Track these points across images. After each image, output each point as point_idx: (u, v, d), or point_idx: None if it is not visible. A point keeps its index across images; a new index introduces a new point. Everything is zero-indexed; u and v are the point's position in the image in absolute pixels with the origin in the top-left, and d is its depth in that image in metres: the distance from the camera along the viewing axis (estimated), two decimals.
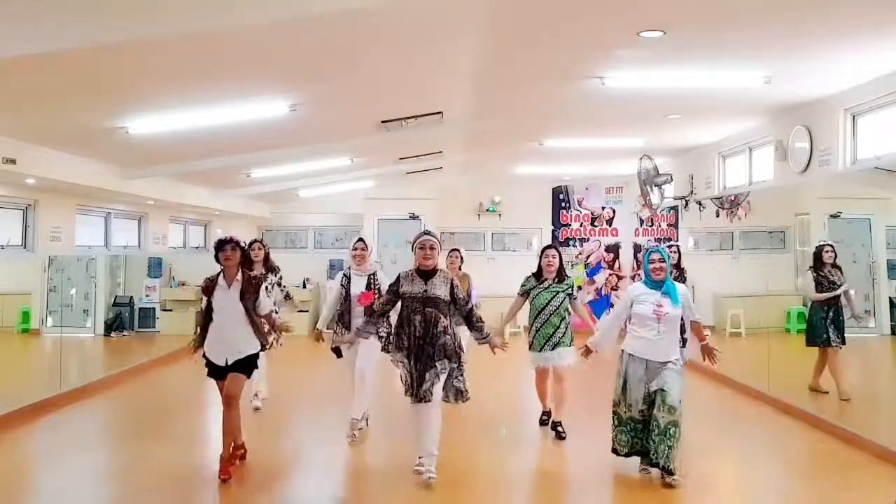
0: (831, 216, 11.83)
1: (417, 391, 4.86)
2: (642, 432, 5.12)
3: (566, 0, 4.30)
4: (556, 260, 6.16)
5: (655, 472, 5.07)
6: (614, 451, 5.26)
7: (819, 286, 7.29)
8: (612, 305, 12.86)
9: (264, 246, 6.95)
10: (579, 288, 13.50)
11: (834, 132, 6.56)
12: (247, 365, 5.17)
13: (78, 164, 7.28)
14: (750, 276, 12.98)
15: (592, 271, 13.47)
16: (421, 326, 4.86)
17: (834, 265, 7.32)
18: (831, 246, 7.45)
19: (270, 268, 6.91)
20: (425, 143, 8.75)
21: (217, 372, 5.16)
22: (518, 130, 8.62)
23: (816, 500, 4.79)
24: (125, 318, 11.63)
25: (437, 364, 4.85)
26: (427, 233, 5.10)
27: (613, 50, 5.28)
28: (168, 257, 12.11)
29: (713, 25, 4.71)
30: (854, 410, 6.83)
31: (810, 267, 7.46)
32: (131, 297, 11.80)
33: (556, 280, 6.13)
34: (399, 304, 5.03)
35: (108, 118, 5.87)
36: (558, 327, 6.06)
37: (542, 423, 6.39)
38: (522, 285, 6.25)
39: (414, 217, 13.33)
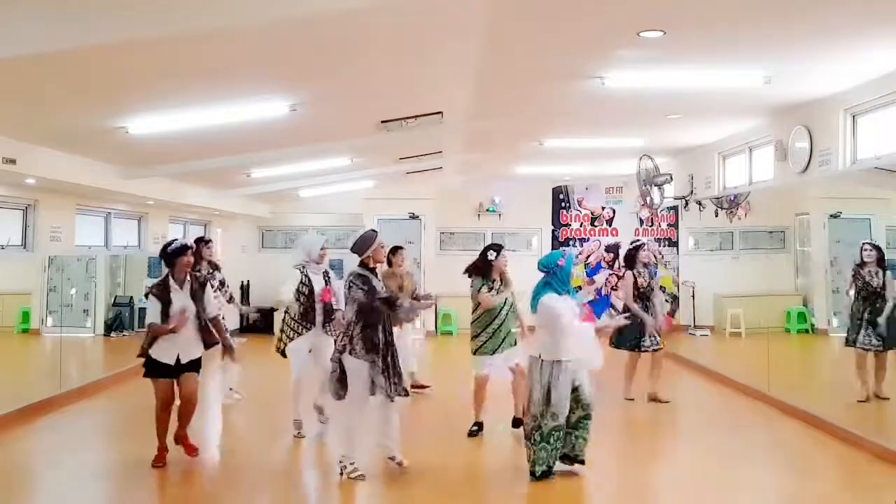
0: (831, 216, 11.85)
1: (396, 388, 4.99)
2: (564, 438, 5.01)
3: (566, 0, 4.31)
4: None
5: (579, 467, 5.11)
6: (532, 473, 4.96)
7: (854, 284, 7.18)
8: (612, 305, 12.86)
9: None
10: (579, 288, 13.50)
11: (834, 132, 6.56)
12: (198, 364, 5.41)
13: (78, 164, 7.28)
14: (750, 276, 12.99)
15: (592, 271, 13.47)
16: (387, 322, 5.04)
17: (880, 265, 7.09)
18: (870, 244, 7.22)
19: (215, 266, 7.22)
20: (425, 143, 8.75)
21: (164, 371, 5.23)
22: (518, 130, 8.62)
23: (816, 500, 4.79)
24: (125, 318, 11.62)
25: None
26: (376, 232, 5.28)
27: (613, 50, 5.28)
28: None
29: (713, 25, 4.71)
30: (854, 410, 6.83)
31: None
32: (131, 297, 11.79)
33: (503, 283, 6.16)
34: (353, 306, 4.98)
35: (108, 118, 5.86)
36: (511, 331, 6.15)
37: (473, 434, 6.17)
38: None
39: (414, 217, 13.32)
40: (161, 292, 5.25)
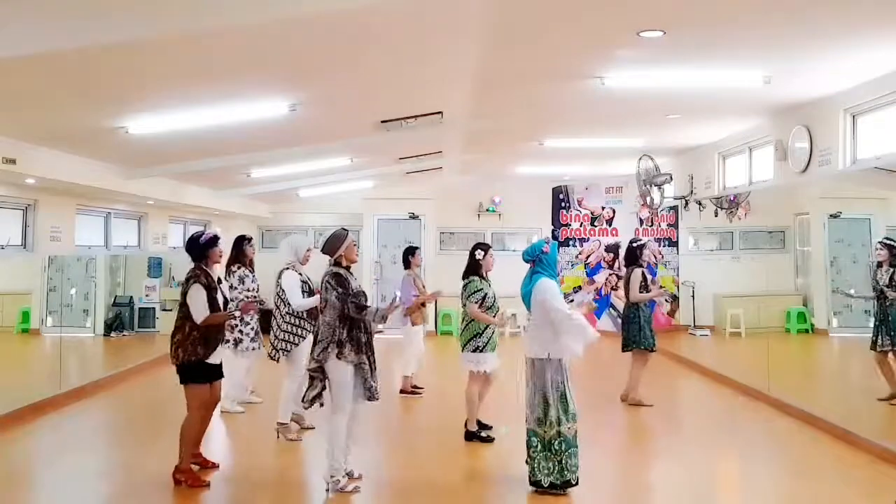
0: (831, 216, 11.86)
1: (375, 389, 4.69)
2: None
3: (566, 0, 4.31)
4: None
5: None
6: (567, 483, 4.57)
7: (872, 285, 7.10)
8: (612, 305, 12.89)
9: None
10: (579, 287, 13.51)
11: (834, 132, 6.56)
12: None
13: (78, 164, 7.28)
14: (750, 276, 13.00)
15: (592, 271, 13.46)
16: (367, 322, 4.70)
17: (892, 264, 6.90)
18: (881, 243, 7.09)
19: (252, 265, 7.06)
20: (425, 143, 8.75)
21: (212, 374, 4.86)
22: (518, 130, 8.62)
23: (816, 499, 4.79)
24: (125, 318, 11.63)
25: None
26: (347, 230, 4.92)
27: (613, 50, 5.28)
28: (168, 257, 12.11)
29: (713, 25, 4.71)
30: (854, 410, 6.83)
31: None
32: (131, 297, 11.81)
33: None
34: (335, 306, 4.62)
35: (108, 118, 5.86)
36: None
37: (487, 439, 5.93)
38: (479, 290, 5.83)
39: (414, 217, 13.33)
40: (208, 279, 4.75)
